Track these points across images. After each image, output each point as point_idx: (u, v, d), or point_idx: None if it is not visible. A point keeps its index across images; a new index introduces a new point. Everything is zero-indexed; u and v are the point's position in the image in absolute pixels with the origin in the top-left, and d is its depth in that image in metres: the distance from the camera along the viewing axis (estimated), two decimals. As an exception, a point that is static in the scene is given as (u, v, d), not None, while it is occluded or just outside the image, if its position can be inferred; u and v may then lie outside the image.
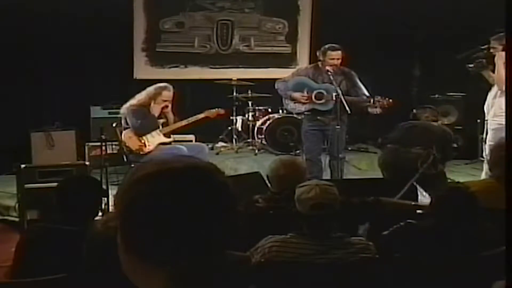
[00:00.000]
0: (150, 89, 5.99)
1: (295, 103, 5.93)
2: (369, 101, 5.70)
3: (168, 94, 5.97)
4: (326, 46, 5.80)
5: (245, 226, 1.16)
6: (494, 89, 5.61)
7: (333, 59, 5.71)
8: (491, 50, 5.39)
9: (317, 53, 5.90)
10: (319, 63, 5.86)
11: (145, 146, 5.94)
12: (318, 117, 5.87)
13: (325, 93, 5.76)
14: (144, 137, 5.95)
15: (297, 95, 5.84)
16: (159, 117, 6.06)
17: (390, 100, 5.70)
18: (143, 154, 5.91)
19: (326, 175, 5.90)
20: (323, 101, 5.79)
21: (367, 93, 5.77)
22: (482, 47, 5.67)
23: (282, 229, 2.73)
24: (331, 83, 5.63)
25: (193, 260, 1.05)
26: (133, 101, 5.96)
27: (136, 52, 7.99)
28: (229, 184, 1.11)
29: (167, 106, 6.02)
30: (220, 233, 1.07)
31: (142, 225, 1.05)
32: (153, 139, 5.99)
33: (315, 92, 5.81)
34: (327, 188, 2.71)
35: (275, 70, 8.23)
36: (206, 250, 1.06)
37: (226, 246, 1.10)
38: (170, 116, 6.11)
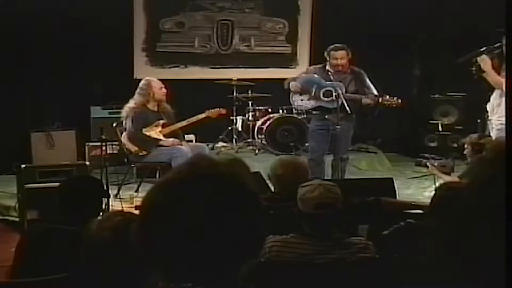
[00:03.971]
0: (140, 87, 6.00)
1: (302, 100, 5.91)
2: (378, 100, 5.68)
3: (156, 83, 5.98)
4: (331, 46, 5.79)
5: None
6: (498, 90, 5.61)
7: (337, 59, 5.71)
8: (481, 64, 5.37)
9: (324, 54, 5.89)
10: (327, 63, 5.85)
11: (146, 149, 5.93)
12: (326, 116, 5.84)
13: (333, 91, 5.71)
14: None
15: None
16: (159, 117, 6.05)
17: (399, 100, 5.68)
18: (143, 155, 5.91)
19: (327, 175, 5.89)
20: (331, 98, 5.75)
21: (376, 92, 5.75)
22: (482, 50, 5.67)
23: (282, 229, 2.73)
24: (340, 81, 5.64)
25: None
26: (132, 104, 5.95)
27: (136, 52, 7.98)
28: (254, 192, 1.11)
29: (161, 100, 6.01)
30: (247, 238, 1.08)
31: (162, 230, 1.05)
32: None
33: (323, 89, 5.79)
34: (330, 188, 2.71)
35: (275, 70, 8.23)
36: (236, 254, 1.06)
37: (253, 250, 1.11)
38: (169, 109, 6.08)
